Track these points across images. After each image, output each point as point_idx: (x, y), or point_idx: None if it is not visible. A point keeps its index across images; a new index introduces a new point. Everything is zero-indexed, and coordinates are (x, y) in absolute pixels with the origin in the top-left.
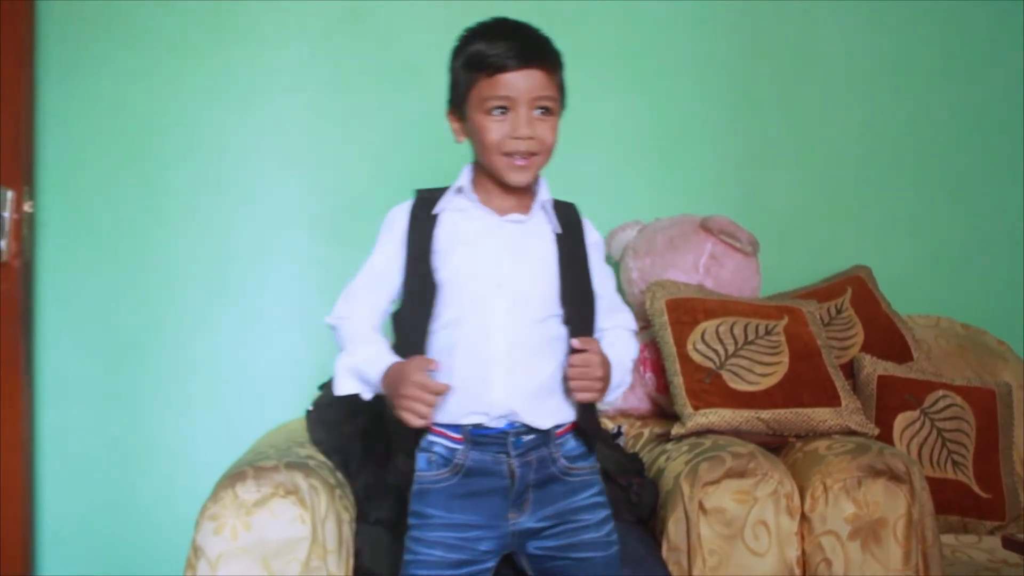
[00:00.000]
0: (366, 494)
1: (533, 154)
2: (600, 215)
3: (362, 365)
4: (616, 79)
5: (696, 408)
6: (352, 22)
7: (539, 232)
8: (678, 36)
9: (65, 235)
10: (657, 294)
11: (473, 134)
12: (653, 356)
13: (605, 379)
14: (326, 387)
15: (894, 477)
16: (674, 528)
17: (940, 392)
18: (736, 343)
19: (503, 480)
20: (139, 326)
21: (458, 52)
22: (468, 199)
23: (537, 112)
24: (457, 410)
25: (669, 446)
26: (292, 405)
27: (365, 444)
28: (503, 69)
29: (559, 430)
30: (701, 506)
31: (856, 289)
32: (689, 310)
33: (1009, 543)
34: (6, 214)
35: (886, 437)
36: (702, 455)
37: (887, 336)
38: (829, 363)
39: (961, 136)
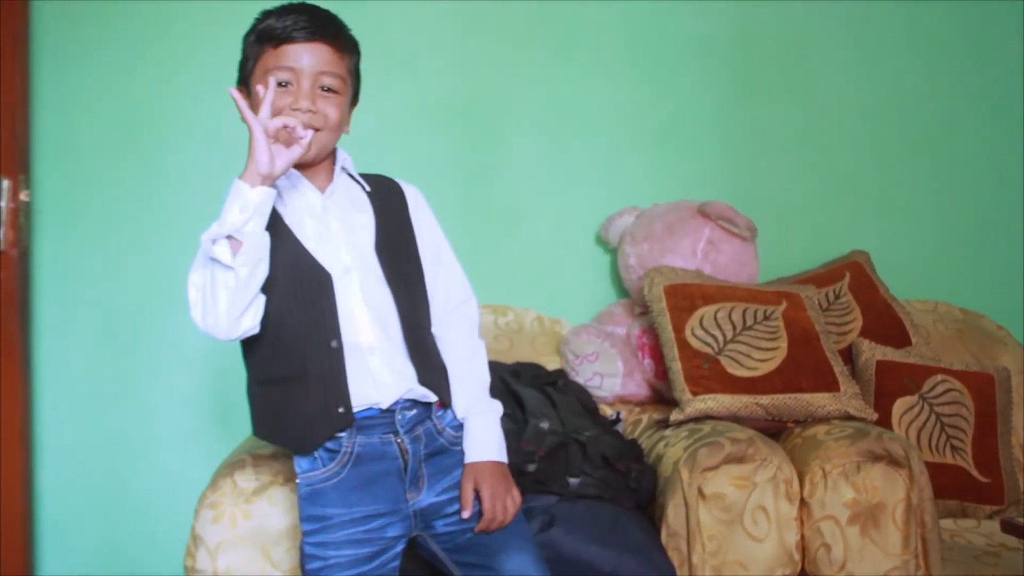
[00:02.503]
0: None
1: (316, 129)
2: (598, 201)
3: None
4: (614, 65)
5: (695, 394)
6: (344, 13)
7: (358, 202)
8: (676, 21)
9: (61, 224)
10: (655, 280)
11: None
12: (651, 342)
13: (511, 492)
14: None
15: (893, 462)
16: (673, 514)
17: (939, 377)
18: (734, 329)
19: (395, 461)
20: (136, 315)
21: (251, 29)
22: (289, 176)
23: (321, 89)
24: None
25: (668, 432)
26: None
27: None
28: (288, 40)
29: (437, 402)
30: (700, 492)
31: (854, 274)
32: (687, 296)
33: (1008, 527)
34: (2, 203)
35: (885, 422)
36: (701, 441)
37: (886, 321)
38: (828, 348)
39: (960, 121)
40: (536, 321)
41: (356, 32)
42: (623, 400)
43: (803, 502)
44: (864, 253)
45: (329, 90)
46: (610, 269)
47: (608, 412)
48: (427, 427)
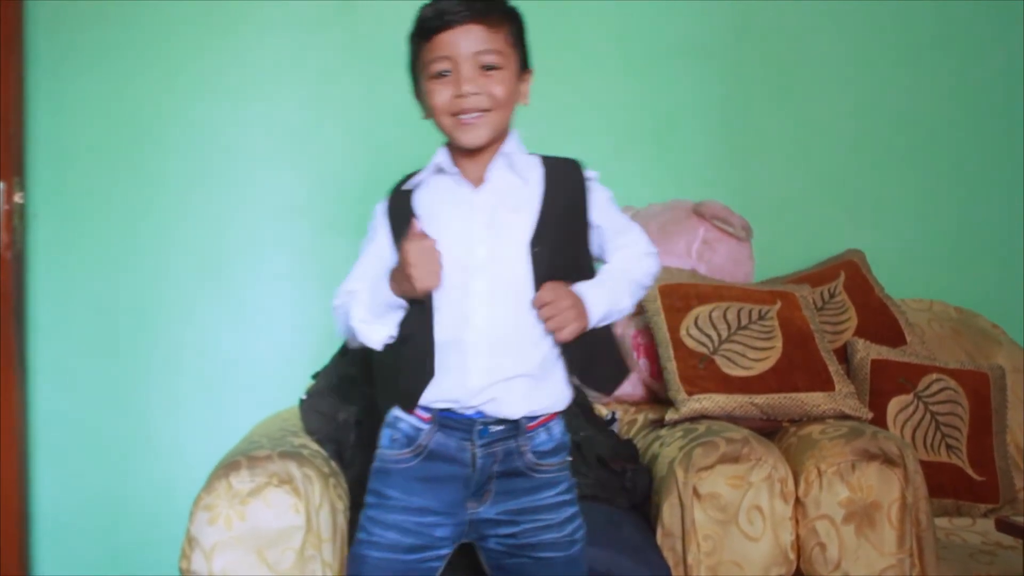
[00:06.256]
0: (360, 482)
1: (484, 110)
2: None
3: (372, 297)
4: (608, 65)
5: (690, 393)
6: (341, 14)
7: (519, 200)
8: (670, 21)
9: (56, 226)
10: None
11: (427, 104)
12: (646, 342)
13: (577, 307)
14: (319, 376)
15: (888, 461)
16: (668, 514)
17: (934, 376)
18: (729, 328)
19: (464, 468)
20: (132, 317)
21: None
22: (449, 172)
23: (483, 69)
24: (430, 394)
25: (663, 432)
26: (285, 394)
27: (359, 432)
28: (439, 29)
29: (531, 423)
30: (695, 491)
31: (849, 273)
32: (682, 295)
33: (1003, 525)
34: None
35: (880, 421)
36: (696, 440)
37: (880, 320)
38: (822, 347)
39: (954, 119)
40: None
41: (345, 33)
42: (618, 400)
43: (798, 501)
44: (859, 252)
45: (491, 68)
46: None
47: (603, 412)
48: (508, 446)
